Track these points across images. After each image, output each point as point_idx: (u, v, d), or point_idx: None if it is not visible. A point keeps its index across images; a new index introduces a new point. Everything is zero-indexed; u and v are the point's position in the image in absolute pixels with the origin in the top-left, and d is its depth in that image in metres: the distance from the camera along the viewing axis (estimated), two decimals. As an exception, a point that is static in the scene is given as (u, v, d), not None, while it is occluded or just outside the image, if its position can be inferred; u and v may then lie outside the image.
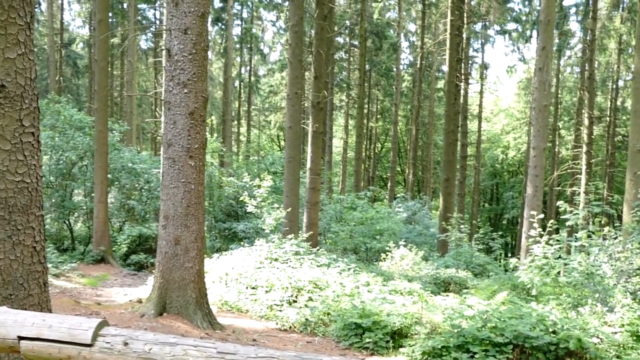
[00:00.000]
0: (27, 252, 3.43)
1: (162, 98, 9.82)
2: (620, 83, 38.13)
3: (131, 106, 32.37)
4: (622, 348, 7.76)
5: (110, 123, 20.38)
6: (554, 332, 7.62)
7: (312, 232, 16.59)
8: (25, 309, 3.34)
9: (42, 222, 3.57)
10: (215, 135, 32.37)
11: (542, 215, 12.36)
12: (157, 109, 33.17)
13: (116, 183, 21.50)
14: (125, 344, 2.11)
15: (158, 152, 34.22)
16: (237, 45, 45.12)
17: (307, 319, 9.65)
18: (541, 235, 11.18)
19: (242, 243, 16.88)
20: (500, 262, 21.22)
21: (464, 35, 28.70)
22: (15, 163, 3.35)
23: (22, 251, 3.40)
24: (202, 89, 8.59)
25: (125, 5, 37.62)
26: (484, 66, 43.33)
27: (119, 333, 2.17)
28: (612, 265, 10.56)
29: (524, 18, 34.23)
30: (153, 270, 17.24)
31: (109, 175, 19.38)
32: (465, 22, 27.16)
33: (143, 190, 22.01)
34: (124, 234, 20.33)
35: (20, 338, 2.23)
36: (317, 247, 15.40)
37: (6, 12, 3.25)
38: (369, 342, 8.42)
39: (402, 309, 9.31)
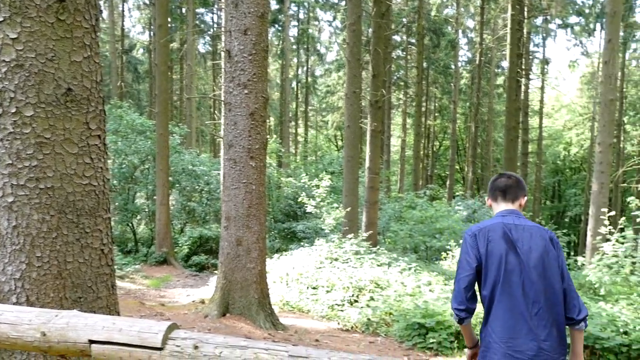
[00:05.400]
0: (95, 254, 3.45)
1: (221, 100, 9.87)
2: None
3: (190, 109, 32.90)
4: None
5: (170, 126, 20.68)
6: (625, 332, 7.37)
7: (371, 232, 16.45)
8: (94, 312, 3.35)
9: (110, 225, 3.58)
10: (274, 136, 32.53)
11: (612, 213, 11.90)
12: (216, 112, 33.57)
13: (177, 185, 21.79)
14: (196, 347, 2.08)
15: (217, 154, 34.65)
16: (294, 47, 45.40)
17: (369, 319, 9.58)
18: (611, 233, 10.80)
19: (301, 243, 16.89)
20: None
21: (525, 30, 28.10)
22: (83, 166, 3.37)
23: (90, 254, 3.42)
24: (262, 90, 8.59)
25: (183, 10, 38.26)
26: (545, 61, 42.46)
27: (189, 336, 2.14)
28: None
29: (587, 11, 33.40)
30: (214, 271, 17.50)
31: (170, 178, 19.67)
32: (525, 16, 26.55)
33: (203, 192, 22.27)
34: (185, 235, 20.62)
35: (91, 342, 2.21)
36: (377, 247, 15.27)
37: (72, 15, 3.27)
38: (432, 343, 8.27)
39: (466, 309, 9.11)
